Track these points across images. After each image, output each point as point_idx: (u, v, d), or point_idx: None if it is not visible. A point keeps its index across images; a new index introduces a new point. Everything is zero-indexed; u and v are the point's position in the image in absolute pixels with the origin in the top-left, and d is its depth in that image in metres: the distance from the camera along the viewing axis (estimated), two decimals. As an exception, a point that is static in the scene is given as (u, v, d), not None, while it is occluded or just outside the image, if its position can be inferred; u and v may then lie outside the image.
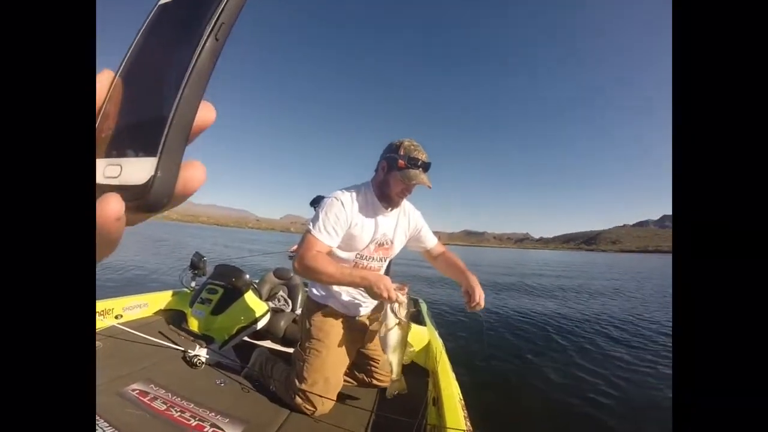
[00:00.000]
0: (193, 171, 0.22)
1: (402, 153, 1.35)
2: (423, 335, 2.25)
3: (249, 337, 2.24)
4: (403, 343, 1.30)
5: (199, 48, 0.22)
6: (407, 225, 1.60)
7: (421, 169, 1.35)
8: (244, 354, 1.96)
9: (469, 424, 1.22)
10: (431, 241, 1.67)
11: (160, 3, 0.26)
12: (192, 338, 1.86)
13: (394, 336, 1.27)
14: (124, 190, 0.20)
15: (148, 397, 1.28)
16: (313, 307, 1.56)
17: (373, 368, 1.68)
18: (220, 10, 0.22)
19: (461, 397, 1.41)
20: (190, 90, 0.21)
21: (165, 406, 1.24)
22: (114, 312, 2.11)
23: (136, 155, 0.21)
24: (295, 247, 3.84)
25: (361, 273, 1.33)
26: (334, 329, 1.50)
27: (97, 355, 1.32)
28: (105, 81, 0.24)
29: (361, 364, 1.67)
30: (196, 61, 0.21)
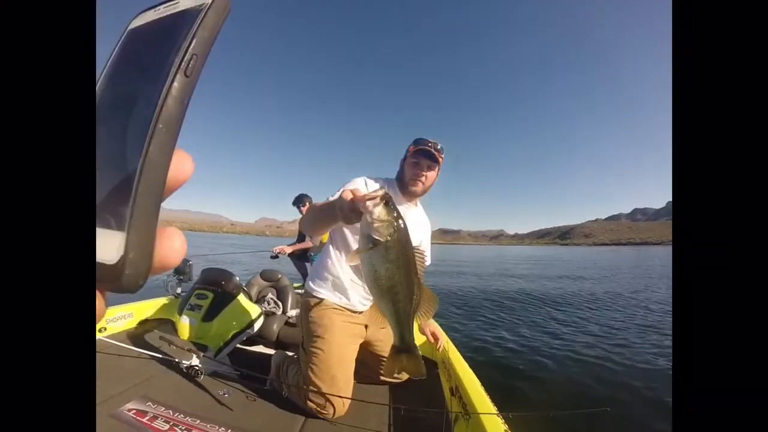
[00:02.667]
0: (169, 242, 0.19)
1: (413, 142, 1.46)
2: None
3: (242, 343, 2.14)
4: (398, 279, 0.78)
5: (165, 89, 0.17)
6: (419, 231, 1.60)
7: (430, 146, 1.41)
8: (240, 360, 1.86)
9: (496, 409, 1.18)
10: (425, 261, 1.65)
11: (129, 27, 0.21)
12: (185, 347, 1.74)
13: (371, 266, 0.78)
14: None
15: (147, 417, 1.16)
16: (310, 301, 1.52)
17: (381, 364, 1.63)
18: (190, 39, 0.17)
19: (481, 383, 1.37)
20: (157, 144, 0.17)
21: (168, 425, 1.13)
22: (97, 325, 1.95)
23: (104, 226, 0.17)
24: (278, 247, 3.78)
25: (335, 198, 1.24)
26: (333, 323, 1.45)
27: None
28: None
29: (367, 361, 1.62)
30: (162, 105, 0.17)
